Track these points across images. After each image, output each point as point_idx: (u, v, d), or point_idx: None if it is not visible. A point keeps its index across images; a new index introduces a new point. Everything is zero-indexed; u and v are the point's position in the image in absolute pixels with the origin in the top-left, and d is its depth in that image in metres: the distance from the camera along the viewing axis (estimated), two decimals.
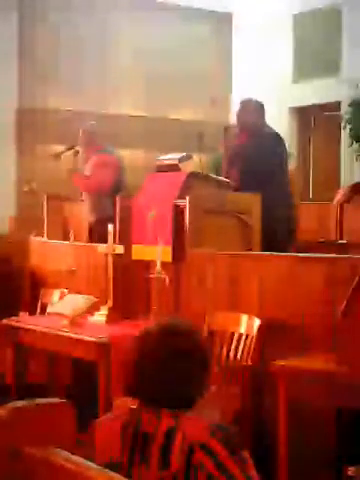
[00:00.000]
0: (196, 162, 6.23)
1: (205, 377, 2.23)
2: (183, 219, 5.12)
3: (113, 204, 6.09)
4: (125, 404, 2.26)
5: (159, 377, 2.15)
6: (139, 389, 2.19)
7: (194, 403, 2.19)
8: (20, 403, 1.97)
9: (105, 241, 5.32)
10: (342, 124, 9.53)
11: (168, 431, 2.08)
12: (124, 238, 5.48)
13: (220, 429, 2.06)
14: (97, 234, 6.40)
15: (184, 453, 2.02)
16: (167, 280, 4.85)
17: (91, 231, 6.93)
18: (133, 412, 2.19)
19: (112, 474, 1.81)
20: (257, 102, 6.15)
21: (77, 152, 7.15)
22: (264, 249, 5.18)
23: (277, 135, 6.13)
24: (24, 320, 5.49)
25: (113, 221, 5.59)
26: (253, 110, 6.08)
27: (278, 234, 5.71)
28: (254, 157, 5.83)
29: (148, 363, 2.18)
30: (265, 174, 5.72)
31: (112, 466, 2.09)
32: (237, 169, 5.92)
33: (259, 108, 6.11)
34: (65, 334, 4.88)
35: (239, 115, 6.13)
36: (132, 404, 2.22)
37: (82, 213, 7.25)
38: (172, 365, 2.16)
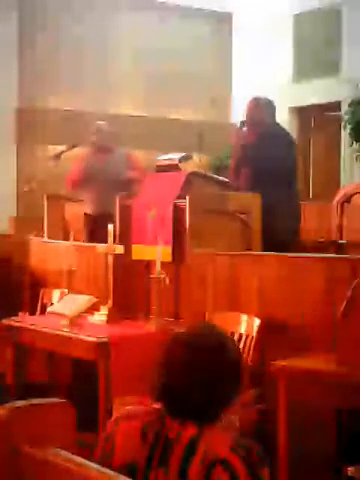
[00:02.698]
0: (196, 162, 6.24)
1: (235, 391, 2.17)
2: (183, 219, 5.12)
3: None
4: (125, 404, 2.24)
5: (186, 388, 2.10)
6: (165, 395, 2.14)
7: (219, 417, 2.13)
8: (20, 403, 1.96)
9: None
10: (342, 124, 9.53)
11: (191, 441, 2.05)
12: (124, 238, 5.48)
13: (243, 446, 2.02)
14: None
15: (204, 466, 1.99)
16: (167, 280, 4.85)
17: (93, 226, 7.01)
18: (156, 414, 2.14)
19: (112, 474, 1.81)
20: (267, 100, 6.13)
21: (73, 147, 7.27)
22: (268, 248, 5.18)
23: (288, 134, 6.13)
24: (24, 320, 5.49)
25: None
26: (263, 108, 6.06)
27: (284, 233, 5.72)
28: (266, 156, 5.81)
29: (175, 372, 2.12)
30: (276, 173, 5.72)
31: (131, 467, 2.08)
32: (248, 169, 5.89)
33: (269, 106, 6.09)
34: (65, 334, 4.87)
35: (249, 112, 6.08)
36: (154, 404, 2.18)
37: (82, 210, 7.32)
38: (200, 377, 2.10)
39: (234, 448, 2.00)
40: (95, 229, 6.84)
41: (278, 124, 6.13)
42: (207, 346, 2.13)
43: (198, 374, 2.10)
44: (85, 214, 7.22)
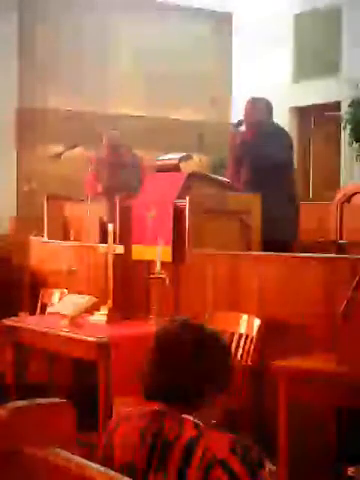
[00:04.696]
0: (196, 162, 6.24)
1: (224, 375, 2.22)
2: (183, 219, 5.12)
3: None
4: (125, 404, 2.25)
5: (178, 375, 2.14)
6: (156, 387, 2.17)
7: (208, 402, 2.17)
8: (20, 403, 1.96)
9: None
10: (342, 124, 9.53)
11: (189, 442, 2.05)
12: (124, 238, 5.48)
13: (242, 447, 2.02)
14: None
15: (203, 467, 1.99)
16: (167, 280, 4.85)
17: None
18: (155, 416, 2.15)
19: (112, 474, 1.81)
20: (265, 100, 6.18)
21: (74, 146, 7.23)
22: (268, 248, 5.18)
23: (285, 133, 6.17)
24: (24, 320, 5.49)
25: None
26: (262, 107, 6.10)
27: (283, 233, 5.73)
28: (264, 153, 5.83)
29: (166, 360, 2.17)
30: (275, 170, 5.74)
31: (129, 467, 2.08)
32: (247, 165, 5.91)
33: (267, 106, 6.14)
34: (65, 334, 4.87)
35: (247, 112, 6.13)
36: (152, 406, 2.19)
37: (84, 212, 7.27)
38: (190, 361, 2.15)
39: (233, 449, 2.00)
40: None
41: (275, 123, 6.16)
42: (197, 333, 2.23)
43: (189, 359, 2.15)
44: (100, 218, 7.17)
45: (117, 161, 7.07)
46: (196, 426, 2.08)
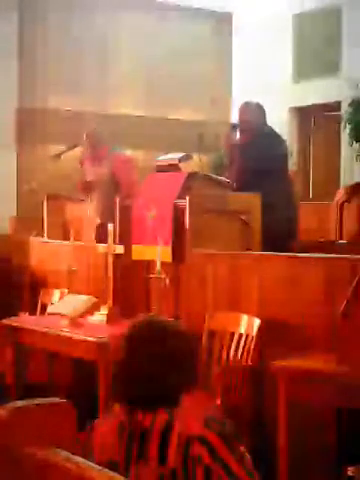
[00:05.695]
0: (196, 162, 6.25)
1: (192, 372, 2.23)
2: (183, 219, 5.12)
3: None
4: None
5: (147, 375, 2.14)
6: (127, 391, 2.18)
7: (180, 399, 2.18)
8: (20, 403, 1.96)
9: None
10: (342, 124, 9.53)
11: (165, 426, 2.09)
12: (124, 238, 5.48)
13: (215, 421, 2.08)
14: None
15: (181, 447, 2.04)
16: (167, 280, 4.85)
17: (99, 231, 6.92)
18: (128, 411, 2.19)
19: (113, 474, 1.81)
20: (257, 104, 6.24)
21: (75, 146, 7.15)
22: (265, 248, 5.18)
23: (278, 135, 6.19)
24: (24, 320, 5.49)
25: None
26: (254, 111, 6.15)
27: (280, 233, 5.72)
28: (255, 157, 5.86)
29: (134, 363, 2.17)
30: (266, 173, 5.74)
31: (110, 465, 2.10)
32: (237, 169, 5.95)
33: (259, 109, 6.19)
34: (65, 334, 4.88)
35: (240, 116, 6.20)
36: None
37: (84, 212, 7.25)
38: (158, 363, 2.16)
39: (207, 424, 2.06)
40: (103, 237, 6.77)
41: (268, 127, 6.20)
42: (161, 332, 2.20)
43: (156, 360, 2.15)
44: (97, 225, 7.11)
45: (96, 156, 6.95)
46: (167, 411, 2.11)
